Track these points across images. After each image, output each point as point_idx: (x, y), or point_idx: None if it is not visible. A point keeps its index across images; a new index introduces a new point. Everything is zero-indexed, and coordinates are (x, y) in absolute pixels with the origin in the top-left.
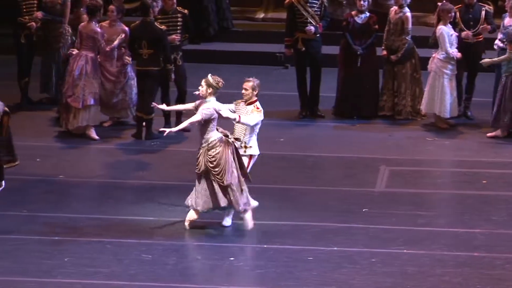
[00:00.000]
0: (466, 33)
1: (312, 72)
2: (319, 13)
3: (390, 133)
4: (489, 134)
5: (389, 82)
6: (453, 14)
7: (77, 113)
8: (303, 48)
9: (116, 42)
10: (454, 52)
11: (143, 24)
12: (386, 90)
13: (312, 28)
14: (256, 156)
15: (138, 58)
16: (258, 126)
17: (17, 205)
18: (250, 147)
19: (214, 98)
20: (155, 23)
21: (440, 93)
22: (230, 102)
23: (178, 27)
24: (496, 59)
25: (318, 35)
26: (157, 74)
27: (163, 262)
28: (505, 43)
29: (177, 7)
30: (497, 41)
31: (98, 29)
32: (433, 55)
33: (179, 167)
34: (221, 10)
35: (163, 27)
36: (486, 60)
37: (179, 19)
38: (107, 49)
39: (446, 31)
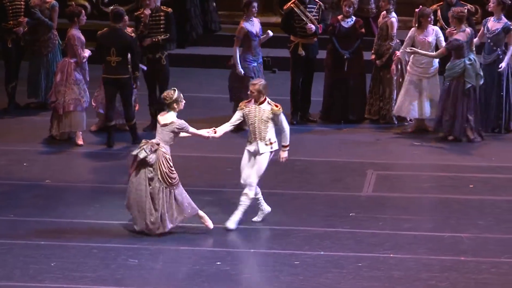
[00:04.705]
0: (448, 30)
1: (307, 76)
2: (317, 17)
3: (378, 137)
4: (450, 137)
5: (375, 86)
6: (431, 18)
7: (60, 119)
8: (304, 53)
9: (86, 54)
10: (400, 54)
11: (112, 31)
12: (373, 94)
13: (313, 26)
14: None
15: (106, 66)
16: None
17: (4, 209)
18: (275, 141)
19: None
20: (125, 30)
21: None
22: (220, 106)
23: (161, 26)
24: (422, 51)
25: (315, 39)
26: (128, 81)
27: (149, 266)
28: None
29: (161, 6)
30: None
31: (76, 35)
32: None
33: None
34: (208, 13)
35: (132, 34)
36: (414, 48)
37: (162, 17)
38: (82, 55)
39: (412, 34)
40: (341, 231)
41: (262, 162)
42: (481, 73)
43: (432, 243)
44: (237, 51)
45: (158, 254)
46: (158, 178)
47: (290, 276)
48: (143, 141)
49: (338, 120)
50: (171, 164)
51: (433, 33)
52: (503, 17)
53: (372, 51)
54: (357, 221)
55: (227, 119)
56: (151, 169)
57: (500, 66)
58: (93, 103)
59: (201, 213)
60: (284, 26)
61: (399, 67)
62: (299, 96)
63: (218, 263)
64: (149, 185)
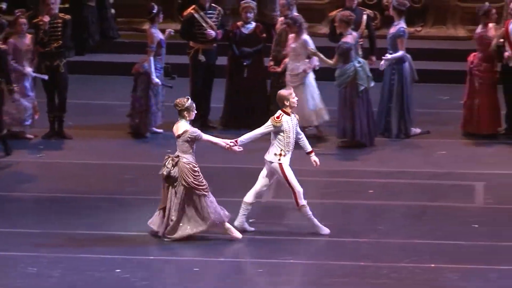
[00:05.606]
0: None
1: (207, 82)
2: (217, 22)
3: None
4: (341, 143)
5: (275, 92)
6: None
7: None
8: (204, 59)
9: None
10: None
11: None
12: (273, 101)
13: (213, 32)
14: None
15: None
16: None
17: None
18: None
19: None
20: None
21: None
22: (118, 113)
23: (59, 33)
24: (322, 56)
25: (215, 45)
26: None
27: (48, 274)
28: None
29: (59, 13)
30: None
31: None
32: None
33: (64, 179)
34: (106, 20)
35: (3, 46)
36: (315, 50)
37: (60, 25)
38: None
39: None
40: (242, 237)
41: None
42: (371, 75)
43: (332, 248)
44: (152, 61)
45: (57, 262)
46: (185, 186)
47: (191, 283)
48: (166, 156)
49: (238, 126)
50: (196, 172)
51: (301, 41)
52: (401, 22)
53: (270, 58)
54: (258, 227)
55: (125, 126)
56: (176, 183)
57: (382, 60)
58: None
59: (227, 225)
60: (184, 33)
61: None
62: (199, 102)
63: (118, 270)
64: (175, 195)
